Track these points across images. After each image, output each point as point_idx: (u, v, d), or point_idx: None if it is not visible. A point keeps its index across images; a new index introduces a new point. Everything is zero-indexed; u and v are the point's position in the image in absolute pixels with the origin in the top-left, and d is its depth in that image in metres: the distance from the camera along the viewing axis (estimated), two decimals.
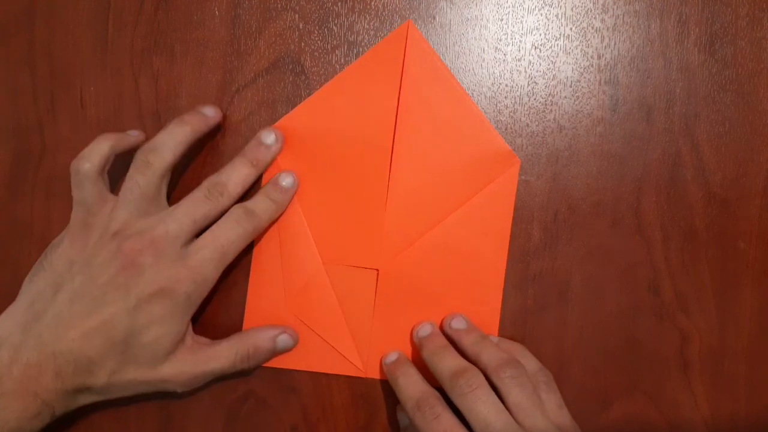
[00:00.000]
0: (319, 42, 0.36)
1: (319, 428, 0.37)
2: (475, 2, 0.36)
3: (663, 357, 0.37)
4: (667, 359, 0.37)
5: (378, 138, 0.36)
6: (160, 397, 0.38)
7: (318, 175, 0.36)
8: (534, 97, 0.36)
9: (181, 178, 0.37)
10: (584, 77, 0.36)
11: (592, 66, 0.36)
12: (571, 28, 0.36)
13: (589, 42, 0.36)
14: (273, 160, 0.35)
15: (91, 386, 0.31)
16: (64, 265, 0.31)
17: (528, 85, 0.36)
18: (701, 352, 0.37)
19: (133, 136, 0.34)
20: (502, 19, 0.36)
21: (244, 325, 0.37)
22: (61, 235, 0.33)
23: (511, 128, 0.36)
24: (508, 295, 0.36)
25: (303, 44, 0.36)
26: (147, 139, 0.34)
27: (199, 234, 0.32)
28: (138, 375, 0.31)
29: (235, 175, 0.33)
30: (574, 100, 0.36)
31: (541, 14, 0.36)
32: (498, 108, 0.36)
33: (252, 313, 0.37)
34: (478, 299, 0.36)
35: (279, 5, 0.36)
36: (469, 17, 0.36)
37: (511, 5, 0.36)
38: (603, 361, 0.37)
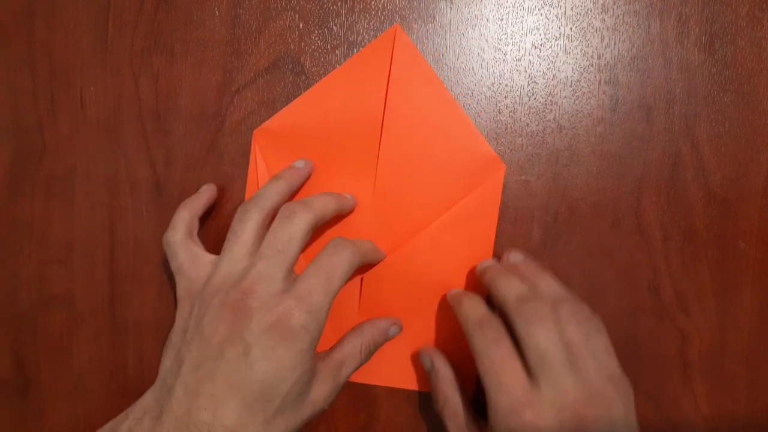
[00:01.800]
0: (319, 42, 0.36)
1: (319, 428, 0.37)
2: (475, 2, 0.36)
3: (663, 357, 0.37)
4: (667, 359, 0.37)
5: (364, 141, 0.36)
6: None
7: None
8: (534, 97, 0.36)
9: (182, 177, 0.37)
10: (584, 77, 0.36)
11: (592, 66, 0.36)
12: (571, 28, 0.36)
13: (589, 42, 0.36)
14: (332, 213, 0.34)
15: None
16: (180, 336, 0.31)
17: (528, 85, 0.36)
18: (701, 352, 0.37)
19: (205, 191, 0.36)
20: (502, 19, 0.36)
21: None
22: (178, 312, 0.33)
23: (511, 128, 0.36)
24: None
25: (303, 44, 0.36)
26: (218, 190, 0.36)
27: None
28: (289, 423, 0.29)
29: (317, 200, 0.33)
30: (574, 100, 0.36)
31: (541, 14, 0.36)
32: (498, 108, 0.36)
33: None
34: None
35: (279, 5, 0.36)
36: (469, 17, 0.36)
37: (511, 5, 0.36)
38: None
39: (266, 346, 0.28)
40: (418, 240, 0.36)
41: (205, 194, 0.36)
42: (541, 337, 0.29)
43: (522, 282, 0.32)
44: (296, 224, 0.31)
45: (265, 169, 0.36)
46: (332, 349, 0.33)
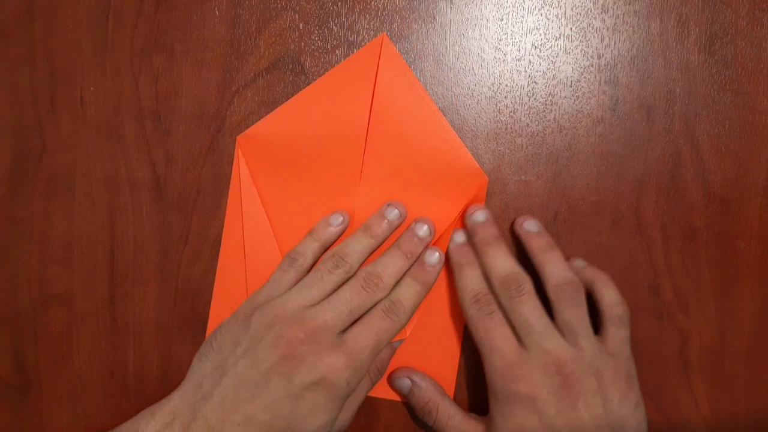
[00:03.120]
0: (319, 42, 0.36)
1: None
2: (475, 2, 0.36)
3: (663, 357, 0.37)
4: (667, 359, 0.37)
5: (348, 150, 0.36)
6: (158, 400, 0.38)
7: (287, 182, 0.36)
8: (534, 97, 0.36)
9: (182, 177, 0.37)
10: (584, 77, 0.36)
11: (592, 66, 0.36)
12: (571, 28, 0.36)
13: (589, 42, 0.36)
14: (424, 250, 0.35)
15: None
16: (230, 347, 0.32)
17: (528, 85, 0.36)
18: (701, 352, 0.37)
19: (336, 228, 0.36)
20: (502, 19, 0.36)
21: (208, 331, 0.37)
22: (232, 317, 0.34)
23: (511, 128, 0.36)
24: None
25: (303, 44, 0.36)
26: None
27: None
28: None
29: (391, 268, 0.34)
30: (574, 100, 0.36)
31: (541, 14, 0.36)
32: (498, 108, 0.36)
33: (216, 319, 0.37)
34: (443, 309, 0.37)
35: (279, 5, 0.36)
36: (469, 17, 0.36)
37: (511, 5, 0.36)
38: None
39: (309, 389, 0.30)
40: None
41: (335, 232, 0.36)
42: (525, 309, 0.32)
43: (508, 258, 0.33)
44: (372, 298, 0.33)
45: (248, 176, 0.36)
46: None
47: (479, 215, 0.35)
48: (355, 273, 0.34)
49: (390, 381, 0.36)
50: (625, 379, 0.31)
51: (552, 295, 0.32)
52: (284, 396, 0.30)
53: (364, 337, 0.32)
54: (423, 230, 0.35)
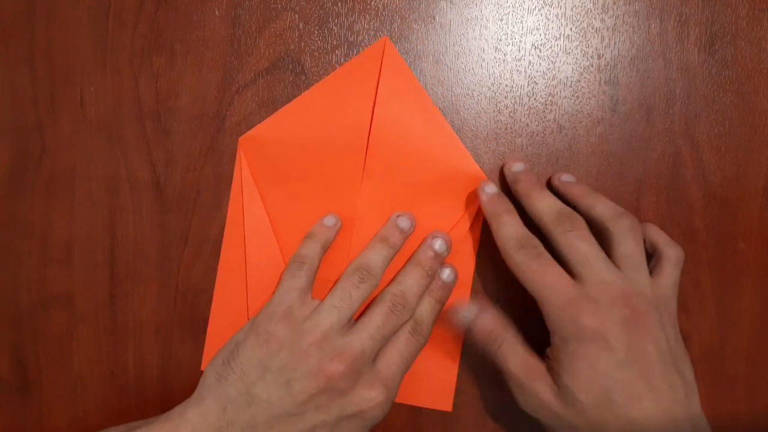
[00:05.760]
0: (319, 42, 0.36)
1: None
2: (475, 2, 0.36)
3: None
4: None
5: (350, 152, 0.36)
6: (158, 400, 0.38)
7: (289, 184, 0.36)
8: (534, 97, 0.36)
9: (182, 177, 0.37)
10: (584, 77, 0.36)
11: (592, 66, 0.36)
12: (571, 28, 0.36)
13: (589, 42, 0.36)
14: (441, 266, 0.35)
15: None
16: (257, 371, 0.31)
17: (528, 85, 0.36)
18: (701, 352, 0.37)
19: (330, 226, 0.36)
20: (502, 19, 0.36)
21: (209, 332, 0.37)
22: (246, 329, 0.33)
23: (511, 128, 0.36)
24: (510, 295, 0.36)
25: (303, 44, 0.36)
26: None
27: None
28: None
29: (415, 288, 0.33)
30: (574, 100, 0.36)
31: (541, 14, 0.36)
32: (498, 108, 0.36)
33: (216, 320, 0.37)
34: (442, 315, 0.36)
35: (279, 5, 0.36)
36: (469, 17, 0.36)
37: (511, 5, 0.36)
38: None
39: (346, 420, 0.31)
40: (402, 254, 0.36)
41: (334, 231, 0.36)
42: (582, 244, 0.31)
43: (555, 199, 0.33)
44: (400, 320, 0.33)
45: (250, 177, 0.36)
46: None
47: (519, 165, 0.35)
48: (379, 287, 0.34)
49: (451, 314, 0.35)
50: (676, 318, 0.31)
51: (612, 226, 0.31)
52: (320, 425, 0.31)
53: (396, 362, 0.32)
54: (439, 245, 0.35)
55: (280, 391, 0.30)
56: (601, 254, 0.31)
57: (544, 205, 0.32)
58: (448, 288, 0.35)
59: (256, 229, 0.36)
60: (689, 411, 0.29)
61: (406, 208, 0.36)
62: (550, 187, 0.36)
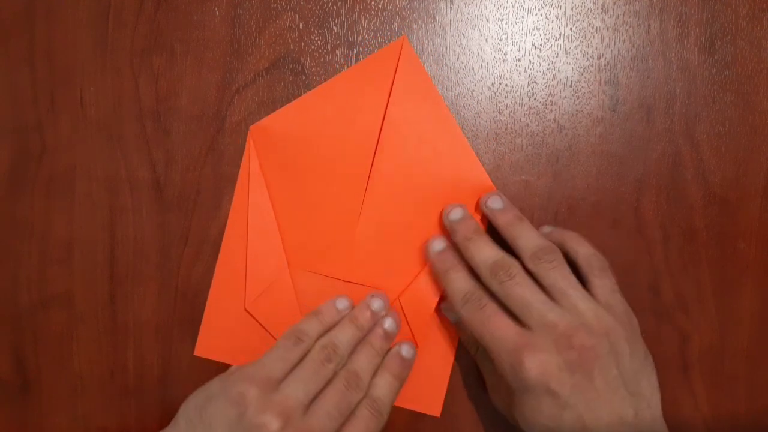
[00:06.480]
0: (319, 42, 0.36)
1: None
2: (475, 2, 0.36)
3: (663, 357, 0.37)
4: (667, 359, 0.37)
5: (360, 150, 0.36)
6: (158, 400, 0.38)
7: (296, 176, 0.36)
8: (534, 97, 0.36)
9: (182, 177, 0.37)
10: (584, 77, 0.36)
11: (592, 66, 0.36)
12: (571, 28, 0.36)
13: (589, 42, 0.36)
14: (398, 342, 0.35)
15: None
16: (222, 428, 0.31)
17: (528, 85, 0.36)
18: (701, 352, 0.37)
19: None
20: (502, 19, 0.36)
21: (203, 323, 0.37)
22: (224, 380, 0.33)
23: (511, 128, 0.36)
24: None
25: (303, 44, 0.36)
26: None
27: None
28: None
29: (367, 365, 0.34)
30: (574, 100, 0.36)
31: (541, 14, 0.36)
32: (498, 108, 0.36)
33: (211, 313, 0.37)
34: (434, 328, 0.37)
35: (279, 5, 0.36)
36: (469, 17, 0.36)
37: (511, 5, 0.36)
38: None
39: None
40: (406, 249, 0.36)
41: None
42: (517, 290, 0.31)
43: (491, 247, 0.33)
44: (356, 398, 0.33)
45: (258, 166, 0.36)
46: None
47: (455, 213, 0.35)
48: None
49: (445, 308, 0.36)
50: (630, 330, 0.31)
51: (530, 264, 0.31)
52: None
53: (388, 383, 0.33)
54: (389, 324, 0.35)
55: None
56: (540, 296, 0.31)
57: (479, 260, 0.32)
58: (409, 365, 0.35)
59: (259, 219, 0.36)
60: (639, 428, 0.29)
61: (411, 209, 0.36)
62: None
